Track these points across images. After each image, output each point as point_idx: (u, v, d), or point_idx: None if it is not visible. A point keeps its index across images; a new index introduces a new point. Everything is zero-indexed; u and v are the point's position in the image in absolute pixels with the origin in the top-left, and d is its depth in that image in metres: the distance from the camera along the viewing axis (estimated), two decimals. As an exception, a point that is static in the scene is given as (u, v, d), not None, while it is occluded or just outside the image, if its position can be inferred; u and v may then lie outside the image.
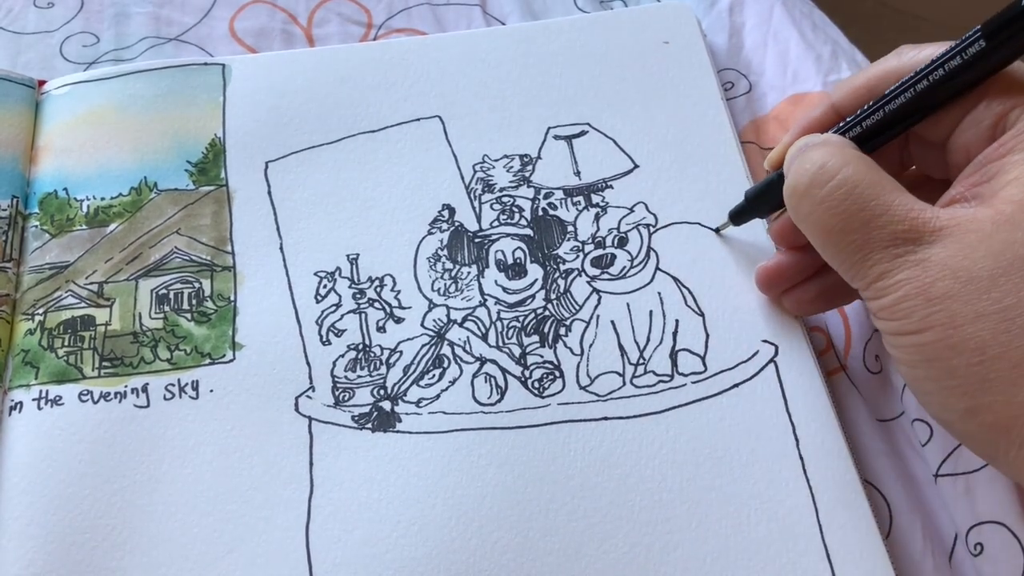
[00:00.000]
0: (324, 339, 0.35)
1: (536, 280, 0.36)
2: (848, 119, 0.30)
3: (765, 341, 0.34)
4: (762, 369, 0.33)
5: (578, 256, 0.36)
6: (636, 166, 0.38)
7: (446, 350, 0.34)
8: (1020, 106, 0.26)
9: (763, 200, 0.34)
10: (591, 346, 0.34)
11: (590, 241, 0.36)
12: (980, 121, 0.27)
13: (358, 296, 0.35)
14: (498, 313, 0.35)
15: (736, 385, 0.33)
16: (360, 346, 0.34)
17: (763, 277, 0.34)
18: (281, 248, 0.37)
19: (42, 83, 0.41)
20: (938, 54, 0.27)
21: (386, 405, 0.33)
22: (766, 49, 0.44)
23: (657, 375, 0.33)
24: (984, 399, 0.24)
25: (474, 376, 0.34)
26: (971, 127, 0.27)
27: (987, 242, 0.24)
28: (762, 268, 0.34)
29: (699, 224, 0.37)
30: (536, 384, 0.33)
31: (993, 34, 0.26)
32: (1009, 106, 0.26)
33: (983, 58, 0.26)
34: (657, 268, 0.36)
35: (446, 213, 0.37)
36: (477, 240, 0.37)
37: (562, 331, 0.34)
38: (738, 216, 0.35)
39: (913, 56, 0.29)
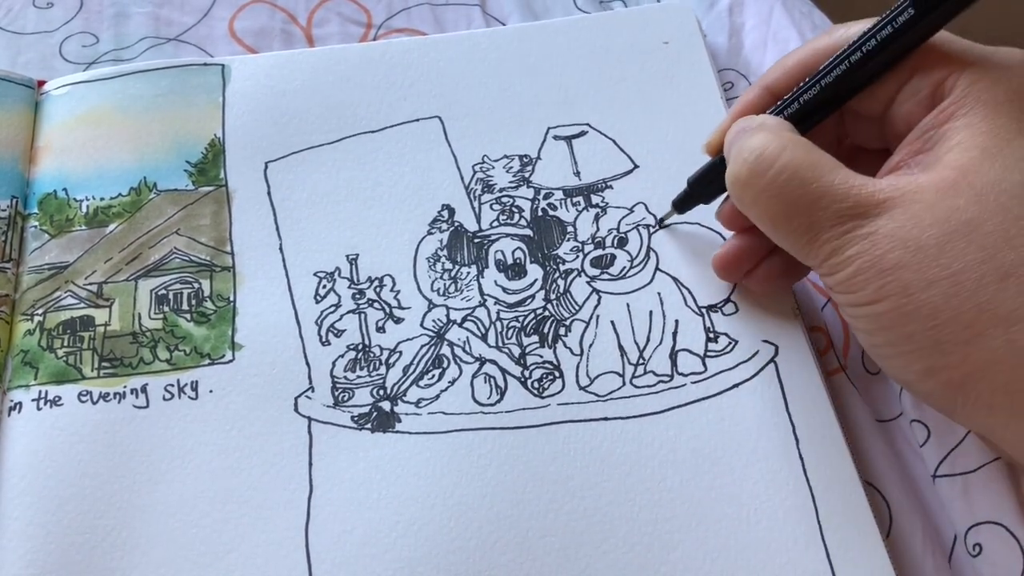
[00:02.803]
0: (323, 339, 0.34)
1: (536, 280, 0.36)
2: (785, 98, 0.30)
3: (765, 341, 0.34)
4: (762, 369, 0.33)
5: (578, 256, 0.36)
6: (636, 166, 0.38)
7: (446, 350, 0.34)
8: (954, 73, 0.26)
9: (705, 185, 0.34)
10: (591, 346, 0.34)
11: (590, 241, 0.36)
12: (918, 90, 0.27)
13: (357, 296, 0.35)
14: (498, 313, 0.35)
15: (736, 385, 0.33)
16: (359, 346, 0.34)
17: (721, 264, 0.34)
18: (281, 248, 0.37)
19: (42, 83, 0.41)
20: (869, 26, 0.28)
21: (385, 405, 0.33)
22: (766, 49, 0.45)
23: (657, 375, 0.33)
24: (940, 360, 0.24)
25: (474, 376, 0.34)
26: (909, 97, 0.28)
27: (932, 210, 0.24)
28: (718, 256, 0.34)
29: (699, 224, 0.37)
30: (536, 384, 0.33)
31: (921, 1, 0.26)
32: (944, 74, 0.27)
33: (913, 25, 0.27)
34: (657, 268, 0.36)
35: (446, 213, 0.37)
36: (477, 240, 0.37)
37: (562, 331, 0.34)
38: (682, 204, 0.35)
39: (844, 33, 0.29)
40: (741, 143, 0.28)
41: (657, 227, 0.37)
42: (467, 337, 0.34)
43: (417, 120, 0.40)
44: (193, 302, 0.35)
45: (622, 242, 0.36)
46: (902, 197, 0.25)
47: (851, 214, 0.26)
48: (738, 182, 0.28)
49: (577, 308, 0.35)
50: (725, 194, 0.33)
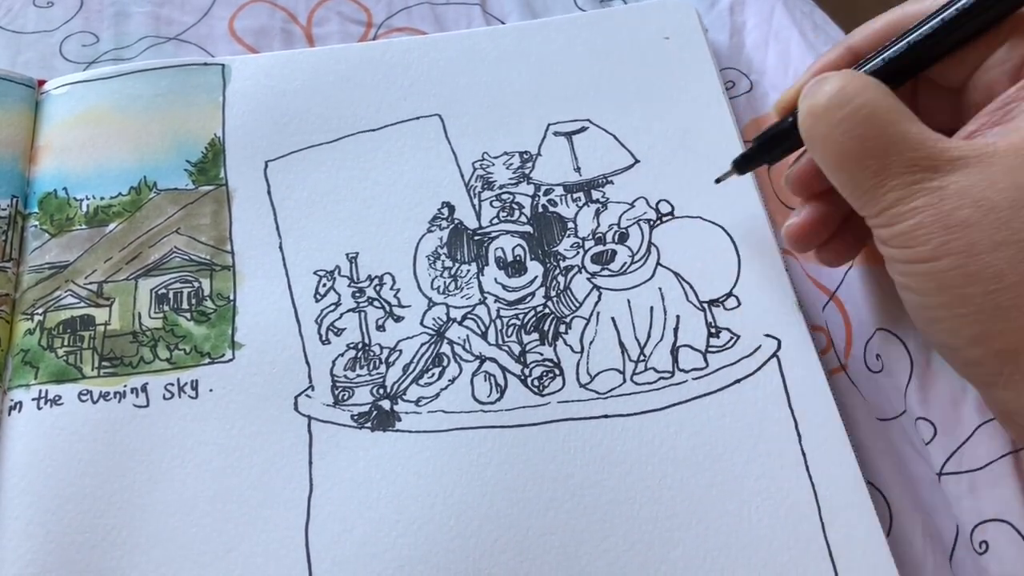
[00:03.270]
0: (323, 338, 0.34)
1: (536, 277, 0.36)
2: (869, 56, 0.29)
3: (767, 335, 0.34)
4: (764, 364, 0.33)
5: (578, 253, 0.36)
6: (637, 161, 0.38)
7: (446, 348, 0.34)
8: None
9: (773, 145, 0.33)
10: (591, 343, 0.34)
11: (590, 237, 0.36)
12: (1004, 61, 0.27)
13: (357, 295, 0.35)
14: (498, 311, 0.35)
15: (738, 381, 0.33)
16: (359, 345, 0.34)
17: (796, 234, 0.33)
18: (280, 247, 0.37)
19: (42, 83, 0.41)
20: None
21: (385, 404, 0.33)
22: (767, 48, 0.44)
23: (658, 372, 0.33)
24: (996, 326, 0.24)
25: (474, 374, 0.33)
26: (995, 67, 0.27)
27: (1009, 174, 0.24)
28: (791, 225, 0.33)
29: (700, 218, 0.37)
30: (536, 382, 0.33)
31: None
32: None
33: None
34: (658, 263, 0.35)
35: (445, 211, 0.37)
36: (477, 238, 0.37)
37: (562, 328, 0.34)
38: (744, 163, 0.34)
39: (934, 1, 0.28)
40: (820, 83, 0.28)
41: (717, 180, 0.35)
42: (467, 335, 0.34)
43: (417, 118, 0.40)
44: (193, 301, 0.35)
45: (623, 238, 0.36)
46: (978, 158, 0.24)
47: (924, 165, 0.25)
48: (813, 113, 0.27)
49: (577, 305, 0.35)
50: (796, 154, 0.32)
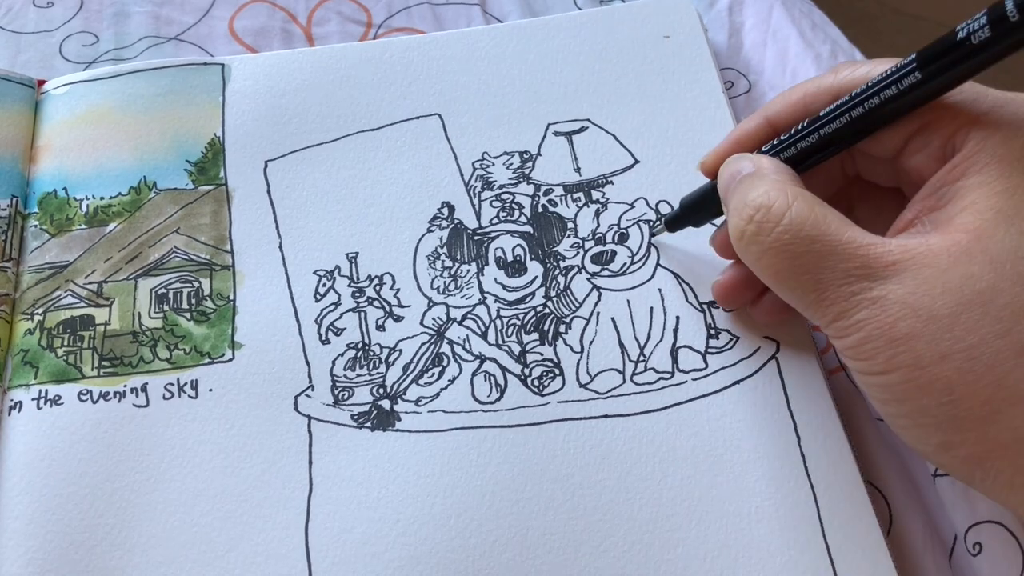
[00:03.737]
0: (323, 338, 0.34)
1: (536, 277, 0.36)
2: (782, 138, 0.29)
3: (766, 337, 0.34)
4: (763, 365, 0.33)
5: (578, 253, 0.36)
6: (637, 161, 0.38)
7: (445, 348, 0.34)
8: (964, 128, 0.25)
9: (698, 210, 0.33)
10: (591, 343, 0.34)
11: (590, 237, 0.36)
12: (927, 144, 0.26)
13: (357, 295, 0.35)
14: (498, 311, 0.35)
15: (737, 382, 0.33)
16: (359, 345, 0.34)
17: (721, 293, 0.33)
18: (280, 247, 0.37)
19: (42, 83, 0.41)
20: (875, 77, 0.26)
21: (385, 404, 0.33)
22: (765, 48, 0.44)
23: (657, 372, 0.33)
24: (957, 436, 0.23)
25: (473, 374, 0.33)
26: (919, 150, 0.27)
27: (944, 277, 0.23)
28: (718, 284, 0.33)
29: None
30: (536, 382, 0.33)
31: (927, 63, 0.25)
32: (954, 128, 0.25)
33: (918, 87, 0.25)
34: (658, 264, 0.36)
35: (445, 211, 0.37)
36: (477, 237, 0.37)
37: (562, 328, 0.34)
38: (674, 223, 0.35)
39: (849, 75, 0.28)
40: (743, 194, 0.27)
41: (651, 235, 0.36)
42: (467, 335, 0.34)
43: (417, 118, 0.40)
44: (193, 301, 0.35)
45: (623, 238, 0.36)
46: (913, 260, 0.24)
47: (859, 274, 0.24)
48: (743, 238, 0.27)
49: (577, 305, 0.35)
50: (719, 219, 0.33)
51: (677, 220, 0.35)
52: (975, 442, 0.23)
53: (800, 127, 0.29)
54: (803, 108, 0.29)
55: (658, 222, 0.36)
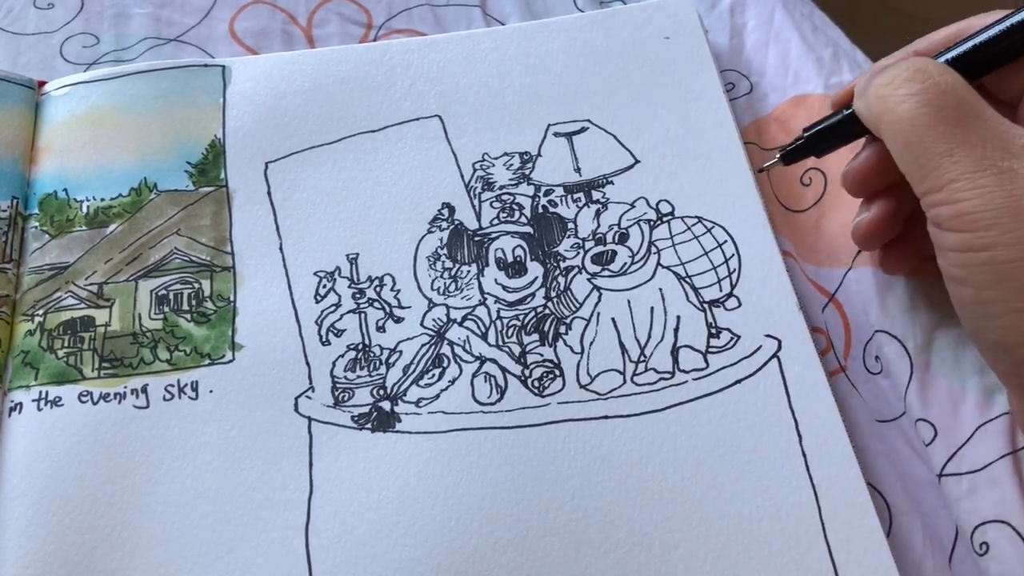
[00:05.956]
0: (324, 339, 0.34)
1: (536, 278, 0.36)
2: (937, 54, 0.29)
3: (768, 336, 0.34)
4: (765, 364, 0.33)
5: (578, 253, 0.36)
6: (637, 161, 0.38)
7: (446, 349, 0.34)
8: None
9: (824, 137, 0.33)
10: (591, 344, 0.34)
11: (590, 238, 0.36)
12: None
13: (358, 296, 0.35)
14: (498, 312, 0.35)
15: (738, 381, 0.33)
16: (360, 346, 0.34)
17: (863, 231, 0.32)
18: (281, 248, 0.37)
19: (42, 84, 0.41)
20: None
21: (386, 405, 0.33)
22: (767, 50, 0.44)
23: (658, 372, 0.33)
24: None
25: (474, 375, 0.33)
26: None
27: None
28: (860, 222, 0.32)
29: (699, 218, 0.37)
30: (536, 383, 0.33)
31: None
32: None
33: None
34: (658, 264, 0.35)
35: (446, 212, 0.37)
36: (477, 238, 0.37)
37: (562, 329, 0.34)
38: (792, 154, 0.34)
39: (996, 14, 0.28)
40: (897, 67, 0.27)
41: (761, 170, 0.36)
42: (467, 336, 0.34)
43: (417, 119, 0.40)
44: (193, 302, 0.35)
45: (623, 238, 0.36)
46: None
47: (996, 144, 0.24)
48: (897, 79, 0.27)
49: (578, 305, 0.35)
50: (852, 151, 0.32)
51: (798, 150, 0.34)
52: None
53: (956, 44, 0.29)
54: (948, 44, 0.29)
55: (778, 151, 0.35)
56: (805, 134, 0.34)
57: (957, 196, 0.24)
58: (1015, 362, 0.25)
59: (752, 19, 0.46)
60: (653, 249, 0.36)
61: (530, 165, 0.38)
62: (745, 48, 0.45)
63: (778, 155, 0.35)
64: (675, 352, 0.34)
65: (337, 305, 0.35)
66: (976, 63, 0.29)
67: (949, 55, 0.29)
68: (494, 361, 0.34)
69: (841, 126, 0.32)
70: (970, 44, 0.29)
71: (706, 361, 0.33)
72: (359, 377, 0.34)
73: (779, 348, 0.33)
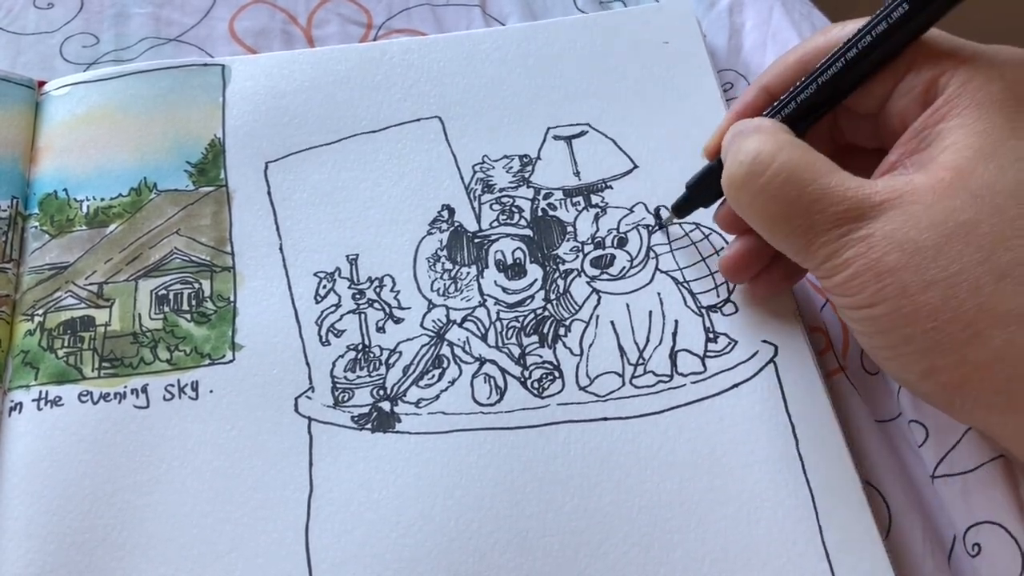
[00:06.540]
0: (324, 339, 0.35)
1: (535, 280, 0.36)
2: (782, 98, 0.30)
3: (765, 341, 0.34)
4: (761, 369, 0.33)
5: (578, 256, 0.36)
6: (636, 166, 0.38)
7: (445, 350, 0.34)
8: (947, 71, 0.27)
9: (704, 189, 0.34)
10: (590, 346, 0.34)
11: (589, 241, 0.36)
12: (912, 88, 0.28)
13: (357, 296, 0.35)
14: (497, 313, 0.35)
15: (736, 385, 0.33)
16: (359, 346, 0.34)
17: (728, 266, 0.34)
18: (281, 248, 0.37)
19: (42, 84, 0.41)
20: (864, 23, 0.28)
21: (385, 405, 0.33)
22: (765, 50, 0.44)
23: (656, 375, 0.33)
24: (939, 361, 0.25)
25: (473, 376, 0.34)
26: (903, 95, 0.28)
27: (929, 212, 0.25)
28: (725, 258, 0.34)
29: (698, 224, 0.37)
30: (535, 384, 0.33)
31: None
32: (937, 72, 0.27)
33: (907, 21, 0.27)
34: (657, 268, 0.36)
35: (446, 213, 0.37)
36: (476, 240, 0.37)
37: (561, 331, 0.34)
38: (680, 208, 0.35)
39: (839, 32, 0.30)
40: (737, 146, 0.29)
41: (656, 228, 0.37)
42: (467, 337, 0.34)
43: (417, 120, 0.40)
44: (193, 302, 0.35)
45: (622, 242, 0.36)
46: (899, 199, 0.25)
47: (848, 216, 0.26)
48: (734, 184, 0.28)
49: (577, 308, 0.35)
50: (722, 198, 0.33)
51: (685, 204, 0.35)
52: (956, 366, 0.24)
53: (798, 84, 0.30)
54: (798, 70, 0.31)
55: (665, 209, 0.37)
56: (686, 188, 0.35)
57: (830, 273, 0.26)
58: (920, 394, 0.28)
59: (750, 19, 0.46)
60: (651, 254, 0.36)
61: (530, 168, 0.38)
62: (743, 48, 0.45)
63: (671, 211, 0.36)
64: (673, 356, 0.34)
65: (337, 306, 0.35)
66: (823, 101, 0.30)
67: (796, 99, 0.30)
68: (494, 362, 0.34)
69: (715, 179, 0.32)
70: (812, 86, 0.29)
71: (704, 365, 0.33)
72: (359, 377, 0.34)
73: (776, 353, 0.33)
